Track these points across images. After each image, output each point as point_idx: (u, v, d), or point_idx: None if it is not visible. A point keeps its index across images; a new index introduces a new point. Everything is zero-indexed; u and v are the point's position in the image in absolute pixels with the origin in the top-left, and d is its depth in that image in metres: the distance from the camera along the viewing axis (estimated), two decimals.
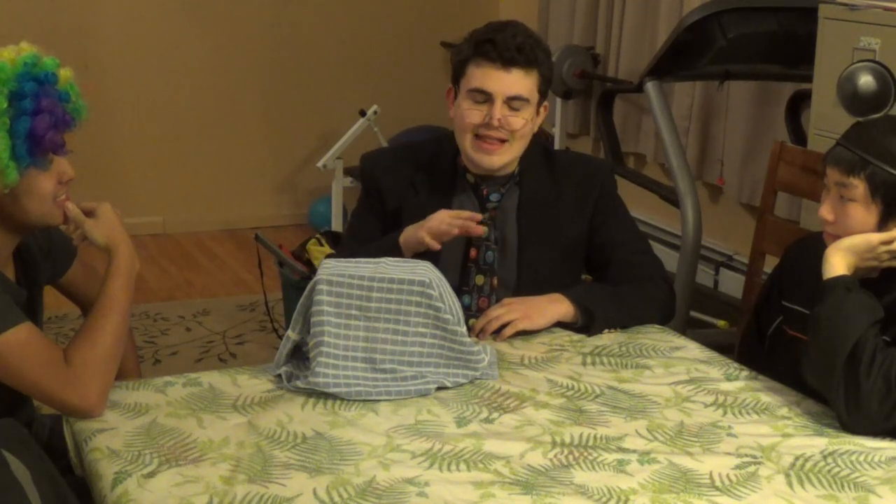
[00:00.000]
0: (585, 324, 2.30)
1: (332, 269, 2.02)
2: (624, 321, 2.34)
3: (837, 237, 2.05)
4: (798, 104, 3.81)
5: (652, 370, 2.15)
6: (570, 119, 5.48)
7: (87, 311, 2.18)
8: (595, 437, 1.85)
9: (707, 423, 1.92)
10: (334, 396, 1.97)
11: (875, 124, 2.11)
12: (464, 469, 1.73)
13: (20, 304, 1.95)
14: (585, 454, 1.79)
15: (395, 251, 2.28)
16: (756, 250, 2.85)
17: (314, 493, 1.65)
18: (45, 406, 1.95)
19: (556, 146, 5.20)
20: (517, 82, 2.29)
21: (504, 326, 2.26)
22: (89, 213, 2.04)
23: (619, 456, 1.79)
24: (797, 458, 1.80)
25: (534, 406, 1.97)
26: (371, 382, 1.99)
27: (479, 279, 2.40)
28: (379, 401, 1.97)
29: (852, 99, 2.83)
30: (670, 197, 3.72)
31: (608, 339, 2.29)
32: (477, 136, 2.32)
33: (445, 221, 2.25)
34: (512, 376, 2.10)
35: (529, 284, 2.36)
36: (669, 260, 4.30)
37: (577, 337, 2.29)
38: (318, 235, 3.93)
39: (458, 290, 2.32)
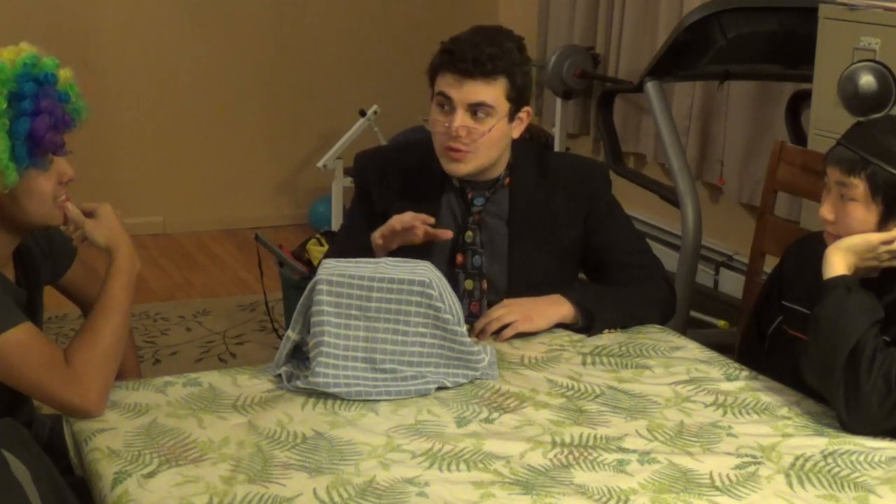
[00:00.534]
0: (586, 324, 2.30)
1: (332, 269, 2.02)
2: (624, 321, 2.34)
3: (838, 237, 2.05)
4: (798, 104, 3.81)
5: (652, 370, 2.15)
6: (570, 119, 5.48)
7: (87, 311, 2.18)
8: (595, 437, 1.85)
9: (707, 423, 1.92)
10: (334, 396, 1.97)
11: (876, 124, 2.11)
12: (464, 469, 1.73)
13: (20, 305, 1.95)
14: (585, 454, 1.79)
15: (370, 252, 2.28)
16: (756, 250, 2.84)
17: (314, 493, 1.65)
18: (45, 406, 1.95)
19: (556, 146, 5.20)
20: (478, 91, 2.29)
21: (504, 327, 2.26)
22: (89, 214, 2.04)
23: (619, 456, 1.79)
24: (797, 458, 1.80)
25: (534, 406, 1.97)
26: (371, 382, 1.99)
27: (469, 284, 2.39)
28: (379, 401, 1.97)
29: (853, 99, 2.83)
30: (670, 197, 3.72)
31: (608, 339, 2.29)
32: (443, 145, 2.32)
33: (397, 219, 2.26)
34: (512, 376, 2.10)
35: (521, 288, 2.36)
36: (669, 260, 4.30)
37: (577, 337, 2.29)
38: (318, 235, 3.93)
39: None
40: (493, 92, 2.29)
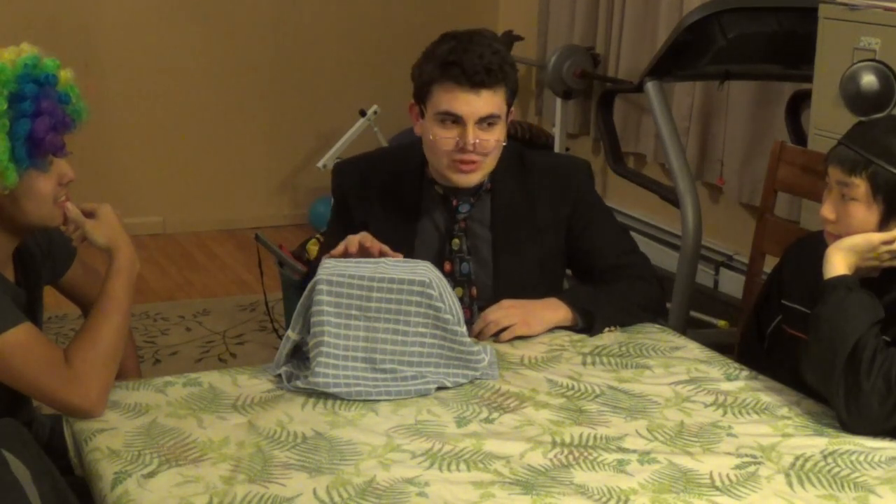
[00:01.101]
0: (586, 324, 2.30)
1: (332, 269, 2.02)
2: (623, 319, 2.34)
3: (839, 237, 2.05)
4: (798, 104, 3.81)
5: (652, 370, 2.15)
6: (570, 119, 5.48)
7: (87, 311, 2.18)
8: (595, 437, 1.85)
9: (707, 423, 1.92)
10: (334, 396, 1.97)
11: (877, 124, 2.11)
12: (464, 469, 1.73)
13: (20, 305, 1.95)
14: (585, 454, 1.79)
15: None
16: (756, 250, 2.84)
17: (314, 493, 1.65)
18: (45, 406, 1.95)
19: (557, 146, 5.20)
20: (488, 102, 2.23)
21: (502, 330, 2.26)
22: (89, 214, 2.04)
23: (619, 456, 1.79)
24: (797, 458, 1.80)
25: (534, 406, 1.97)
26: (371, 382, 1.99)
27: (458, 291, 2.37)
28: (379, 401, 1.97)
29: (855, 98, 2.83)
30: (670, 197, 3.72)
31: (608, 339, 2.29)
32: (452, 159, 2.27)
33: (353, 243, 2.15)
34: (512, 376, 2.10)
35: (507, 292, 2.34)
36: (669, 260, 4.31)
37: (577, 337, 2.29)
38: (318, 235, 3.93)
39: None
40: (498, 100, 2.25)
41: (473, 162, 2.26)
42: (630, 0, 5.05)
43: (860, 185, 2.02)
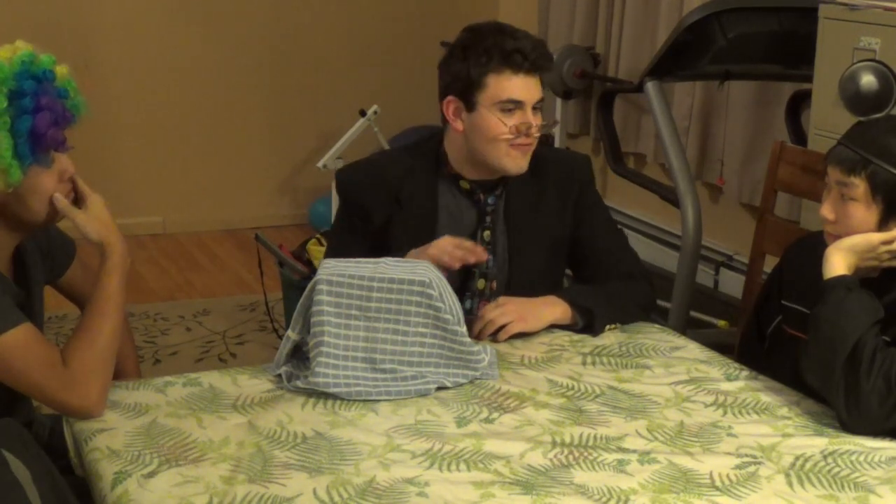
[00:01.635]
0: (587, 322, 2.30)
1: (332, 269, 2.02)
2: (622, 318, 2.35)
3: (838, 237, 2.05)
4: (798, 104, 3.81)
5: (652, 370, 2.15)
6: (570, 119, 5.48)
7: None
8: (595, 437, 1.85)
9: (707, 423, 1.92)
10: (334, 396, 1.97)
11: (876, 124, 2.11)
12: (464, 469, 1.73)
13: (19, 305, 1.94)
14: (585, 454, 1.79)
15: None
16: (756, 250, 2.84)
17: (314, 493, 1.65)
18: (45, 406, 1.95)
19: (556, 146, 5.20)
20: (538, 86, 2.30)
21: (501, 329, 2.26)
22: (80, 197, 2.02)
23: (619, 456, 1.79)
24: (797, 458, 1.80)
25: (534, 406, 1.97)
26: (371, 382, 1.99)
27: (481, 283, 2.39)
28: (379, 401, 1.97)
29: (854, 98, 2.83)
30: (670, 197, 3.72)
31: (608, 339, 2.29)
32: (511, 144, 2.29)
33: (447, 252, 2.22)
34: (512, 376, 2.10)
35: (520, 286, 2.36)
36: (669, 260, 4.31)
37: (577, 337, 2.29)
38: (318, 235, 3.93)
39: (460, 295, 2.30)
40: (541, 84, 2.32)
41: (530, 145, 2.32)
42: (630, 0, 5.06)
43: (859, 185, 2.02)
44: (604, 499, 1.66)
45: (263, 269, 4.05)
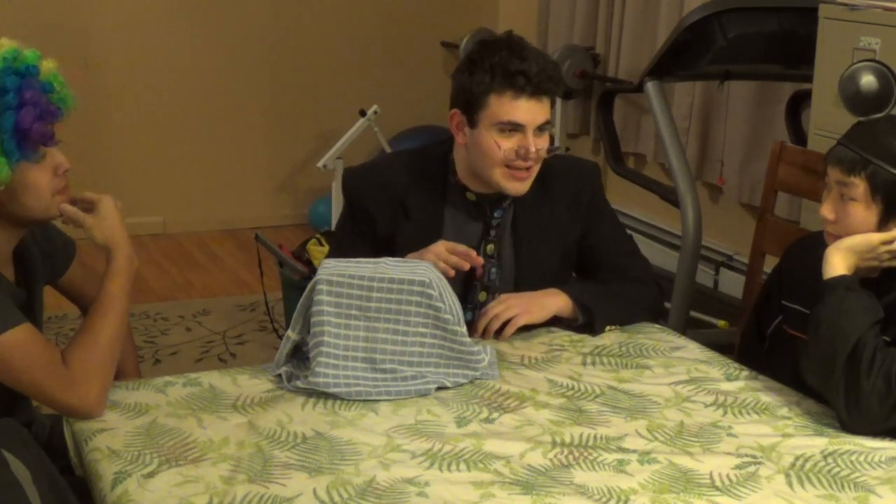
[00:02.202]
0: (587, 321, 2.30)
1: (332, 269, 2.02)
2: (624, 319, 2.34)
3: (838, 237, 2.05)
4: (798, 104, 3.81)
5: (652, 370, 2.15)
6: (570, 119, 5.48)
7: (86, 311, 2.17)
8: (595, 437, 1.85)
9: (707, 423, 1.92)
10: (334, 396, 1.97)
11: (876, 124, 2.11)
12: (464, 469, 1.73)
13: (19, 305, 1.94)
14: (585, 454, 1.79)
15: None
16: (756, 250, 2.84)
17: (314, 493, 1.65)
18: (45, 406, 1.95)
19: (556, 146, 5.20)
20: (544, 109, 2.23)
21: (505, 326, 2.25)
22: (90, 206, 2.03)
23: (619, 456, 1.79)
24: (797, 458, 1.80)
25: (534, 406, 1.97)
26: (371, 382, 1.99)
27: (482, 296, 2.38)
28: (379, 401, 1.97)
29: (854, 98, 2.83)
30: (670, 197, 3.72)
31: (608, 339, 2.29)
32: (507, 166, 2.25)
33: (442, 257, 2.18)
34: (512, 376, 2.10)
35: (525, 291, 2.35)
36: (669, 260, 4.31)
37: (577, 337, 2.29)
38: (318, 235, 3.93)
39: (461, 307, 2.29)
40: (549, 105, 2.26)
41: (529, 169, 2.26)
42: (630, 0, 5.06)
43: (859, 185, 2.02)
44: (604, 499, 1.66)
45: (263, 269, 4.05)
